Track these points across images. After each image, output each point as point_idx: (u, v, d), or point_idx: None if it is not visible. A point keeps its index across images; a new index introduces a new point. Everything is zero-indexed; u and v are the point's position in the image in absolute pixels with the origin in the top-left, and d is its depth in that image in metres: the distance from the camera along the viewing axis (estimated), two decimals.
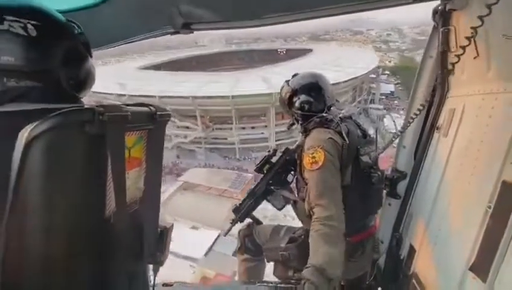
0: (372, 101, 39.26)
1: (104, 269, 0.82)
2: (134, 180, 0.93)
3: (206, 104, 30.55)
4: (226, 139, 31.91)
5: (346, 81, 31.06)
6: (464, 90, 1.26)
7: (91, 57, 0.92)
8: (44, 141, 0.60)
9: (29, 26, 0.73)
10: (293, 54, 47.31)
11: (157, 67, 43.14)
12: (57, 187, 0.64)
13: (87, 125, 0.67)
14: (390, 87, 42.97)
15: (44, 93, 0.78)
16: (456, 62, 1.19)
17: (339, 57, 39.76)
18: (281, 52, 53.05)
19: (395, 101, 39.92)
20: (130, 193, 0.90)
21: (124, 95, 31.96)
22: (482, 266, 0.96)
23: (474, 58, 1.14)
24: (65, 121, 0.63)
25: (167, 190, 20.72)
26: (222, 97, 29.68)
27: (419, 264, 1.39)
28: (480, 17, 0.93)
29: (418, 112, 1.44)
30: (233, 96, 29.03)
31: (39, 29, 0.74)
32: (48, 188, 0.62)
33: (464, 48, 1.13)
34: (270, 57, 49.21)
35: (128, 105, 0.86)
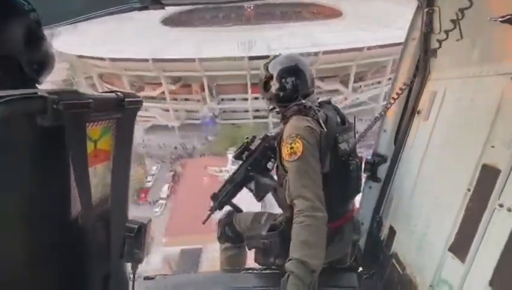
0: None
1: (75, 273, 0.75)
2: (103, 175, 0.83)
3: None
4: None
5: None
6: (445, 73, 1.25)
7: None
8: None
9: None
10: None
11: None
12: (6, 189, 0.54)
13: (39, 116, 0.56)
14: None
15: (3, 80, 0.65)
16: (440, 44, 1.18)
17: None
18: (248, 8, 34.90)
19: None
20: (99, 190, 0.82)
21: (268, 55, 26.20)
22: (461, 246, 0.99)
23: (457, 40, 1.13)
24: (9, 112, 0.51)
25: None
26: None
27: (399, 245, 1.44)
28: None
29: (396, 96, 1.43)
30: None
31: None
32: None
33: (447, 32, 1.11)
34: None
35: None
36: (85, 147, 0.69)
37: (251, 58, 24.92)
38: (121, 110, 0.82)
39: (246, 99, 28.21)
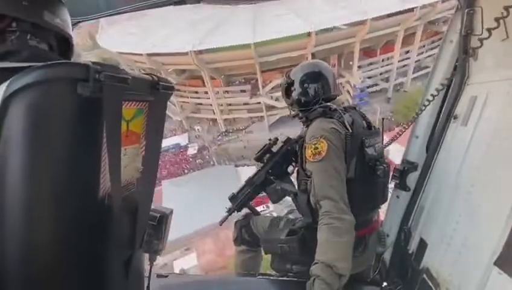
0: None
1: (97, 255, 0.72)
2: (132, 158, 0.82)
3: None
4: None
5: None
6: (488, 76, 1.18)
7: None
8: (26, 97, 0.49)
9: None
10: None
11: None
12: (42, 154, 0.53)
13: (80, 85, 0.55)
14: None
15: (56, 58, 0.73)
16: (480, 46, 1.11)
17: None
18: None
19: None
20: (127, 172, 0.80)
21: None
22: (509, 259, 0.90)
23: (503, 40, 1.07)
24: (53, 75, 0.51)
25: None
26: None
27: (431, 259, 1.33)
28: None
29: (431, 99, 1.36)
30: None
31: None
32: (30, 154, 0.51)
33: (490, 30, 1.04)
34: None
35: None
36: (120, 123, 0.68)
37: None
38: (155, 94, 0.82)
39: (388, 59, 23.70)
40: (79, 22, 1.27)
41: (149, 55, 21.78)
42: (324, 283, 1.03)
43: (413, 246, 1.48)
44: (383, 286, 1.58)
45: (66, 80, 0.54)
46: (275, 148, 1.79)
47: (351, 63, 23.60)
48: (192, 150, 24.83)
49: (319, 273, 1.05)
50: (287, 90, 1.61)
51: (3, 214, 0.51)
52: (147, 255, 1.06)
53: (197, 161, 25.04)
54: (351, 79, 23.44)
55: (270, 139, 1.82)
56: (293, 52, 21.15)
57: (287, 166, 1.75)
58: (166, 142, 23.73)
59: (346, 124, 1.34)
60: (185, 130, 25.68)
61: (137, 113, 0.81)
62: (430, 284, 1.25)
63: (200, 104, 25.34)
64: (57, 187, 0.57)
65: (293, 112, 1.68)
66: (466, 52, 1.25)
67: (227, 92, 25.24)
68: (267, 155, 1.76)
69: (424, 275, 1.30)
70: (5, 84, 0.48)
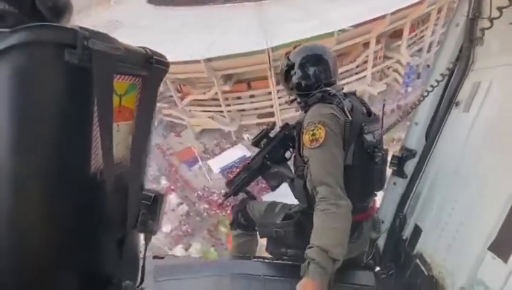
0: None
1: (88, 234, 0.70)
2: (125, 135, 0.79)
3: None
4: None
5: None
6: (492, 62, 1.15)
7: None
8: (11, 59, 0.46)
9: None
10: None
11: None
12: (29, 122, 0.50)
13: (67, 51, 0.52)
14: None
15: (19, 19, 0.62)
16: (489, 28, 1.07)
17: None
18: None
19: None
20: (120, 149, 0.78)
21: None
22: (504, 245, 0.90)
23: (510, 24, 1.03)
24: (36, 38, 0.47)
25: None
26: None
27: (425, 245, 1.34)
28: None
29: (435, 85, 1.33)
30: None
31: None
32: (16, 122, 0.48)
33: (500, 9, 1.00)
34: None
35: None
36: (111, 96, 0.64)
37: None
38: (149, 68, 0.78)
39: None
40: None
41: (205, 61, 17.79)
42: (319, 267, 1.03)
43: (407, 232, 1.50)
44: (375, 270, 1.60)
45: (51, 43, 0.50)
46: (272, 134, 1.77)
47: (400, 42, 21.74)
48: None
49: (314, 257, 1.05)
50: (287, 74, 1.57)
51: None
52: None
53: None
54: (401, 58, 21.69)
55: (268, 124, 1.79)
56: (357, 39, 18.90)
57: (284, 151, 1.73)
58: (225, 160, 19.97)
59: (346, 110, 1.31)
60: (234, 141, 22.05)
61: (130, 88, 0.77)
62: (423, 268, 1.26)
63: (243, 110, 22.24)
64: (45, 159, 0.55)
65: (291, 97, 1.65)
66: (472, 37, 1.21)
67: (278, 91, 21.24)
68: (265, 140, 1.74)
69: (417, 260, 1.32)
70: None
